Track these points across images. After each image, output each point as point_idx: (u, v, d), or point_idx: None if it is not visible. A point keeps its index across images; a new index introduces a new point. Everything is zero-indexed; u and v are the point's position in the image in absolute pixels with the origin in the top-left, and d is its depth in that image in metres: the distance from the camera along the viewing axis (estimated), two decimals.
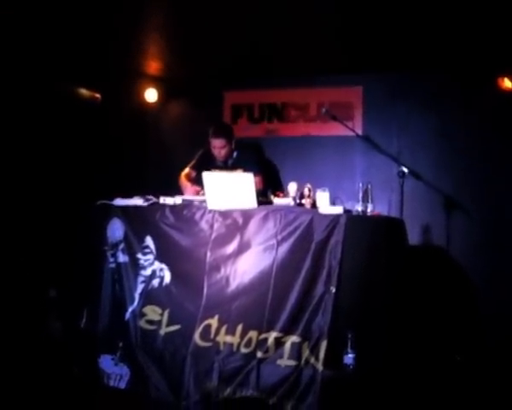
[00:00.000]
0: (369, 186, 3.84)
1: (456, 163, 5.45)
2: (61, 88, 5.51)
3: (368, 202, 3.83)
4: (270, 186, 4.22)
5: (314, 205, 3.98)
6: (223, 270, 3.89)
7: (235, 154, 4.93)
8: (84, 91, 5.89)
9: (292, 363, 3.57)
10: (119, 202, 4.32)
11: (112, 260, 4.22)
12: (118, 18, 4.58)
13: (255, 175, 4.65)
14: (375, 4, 4.20)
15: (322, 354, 3.49)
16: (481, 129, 5.37)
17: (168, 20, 4.73)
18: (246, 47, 5.20)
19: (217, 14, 4.49)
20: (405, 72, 5.54)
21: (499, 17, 4.25)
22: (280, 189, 4.68)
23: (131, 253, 4.17)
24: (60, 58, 5.28)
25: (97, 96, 5.99)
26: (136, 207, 4.25)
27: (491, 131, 5.33)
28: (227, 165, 4.93)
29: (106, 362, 4.06)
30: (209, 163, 4.90)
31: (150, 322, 4.02)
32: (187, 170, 4.99)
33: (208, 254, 3.94)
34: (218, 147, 4.80)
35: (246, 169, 4.79)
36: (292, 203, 4.11)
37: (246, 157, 4.97)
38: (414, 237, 4.99)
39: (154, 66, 6.06)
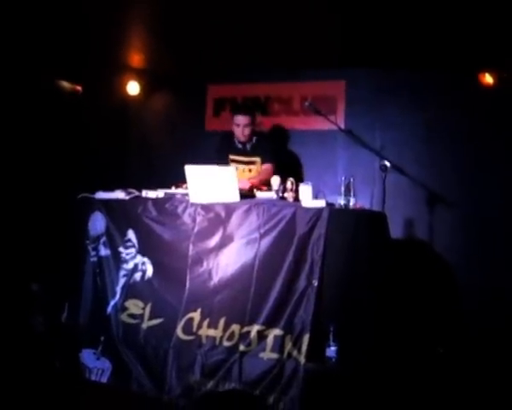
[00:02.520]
0: (352, 180, 3.85)
1: (439, 157, 5.48)
2: (41, 80, 5.45)
3: (350, 195, 3.84)
4: (290, 175, 4.20)
5: (297, 199, 3.98)
6: (205, 263, 3.88)
7: (254, 138, 4.92)
8: (64, 84, 5.83)
9: (274, 356, 3.57)
10: (101, 195, 4.29)
11: (93, 253, 4.19)
12: (99, 9, 4.53)
13: (268, 161, 4.78)
14: (360, 0, 4.21)
15: (304, 347, 3.50)
16: (463, 124, 5.40)
17: (151, 11, 4.69)
18: (229, 40, 5.18)
19: (200, 7, 4.46)
20: (388, 67, 5.54)
21: (480, 14, 4.27)
22: (300, 179, 4.57)
23: (113, 246, 4.15)
24: (40, 50, 5.22)
25: (78, 88, 5.93)
26: (117, 201, 4.23)
27: (473, 126, 5.36)
28: (246, 149, 4.92)
29: (87, 356, 4.04)
30: (228, 148, 4.92)
31: (132, 316, 4.00)
32: None
33: (191, 247, 3.92)
34: (243, 124, 4.77)
35: (264, 156, 4.88)
36: (275, 197, 4.10)
37: (264, 144, 4.98)
38: (396, 230, 5.00)
39: (136, 58, 6.02)
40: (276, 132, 5.89)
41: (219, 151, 4.97)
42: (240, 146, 4.92)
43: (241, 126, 4.78)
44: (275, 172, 4.50)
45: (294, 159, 5.79)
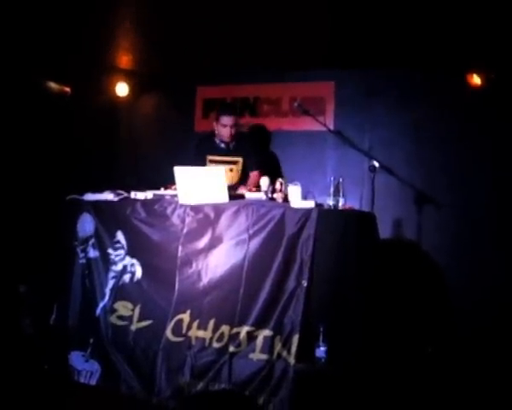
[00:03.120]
0: (341, 180, 3.86)
1: (428, 158, 5.51)
2: (29, 81, 5.42)
3: (339, 196, 3.85)
4: (271, 175, 4.25)
5: (286, 199, 3.98)
6: (194, 265, 3.87)
7: (236, 138, 4.94)
8: (53, 85, 5.80)
9: (264, 357, 3.57)
10: (90, 196, 4.27)
11: (82, 255, 4.16)
12: (88, 9, 4.52)
13: (256, 168, 4.83)
14: (348, 1, 4.22)
15: (294, 348, 3.50)
16: (452, 124, 5.44)
17: (140, 12, 4.68)
18: (218, 41, 5.18)
19: (190, 8, 4.46)
20: (377, 68, 5.57)
21: (468, 15, 4.29)
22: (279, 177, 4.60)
23: (102, 248, 4.13)
24: (28, 50, 5.19)
25: (67, 89, 5.91)
26: (106, 202, 4.20)
27: (462, 126, 5.39)
28: (229, 149, 4.94)
29: (76, 359, 4.01)
30: (207, 149, 4.93)
31: (121, 318, 3.98)
32: None
33: (180, 248, 3.91)
34: (230, 125, 4.79)
35: (247, 156, 4.93)
36: (264, 198, 4.10)
37: (247, 143, 5.03)
38: (385, 231, 5.03)
39: (125, 59, 6.01)
40: (257, 132, 5.91)
41: (197, 153, 4.97)
42: (222, 145, 4.93)
43: (228, 127, 4.79)
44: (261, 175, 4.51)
45: (275, 159, 5.81)
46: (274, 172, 4.86)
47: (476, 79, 5.32)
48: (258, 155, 5.08)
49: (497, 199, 5.27)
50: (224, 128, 4.81)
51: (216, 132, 4.91)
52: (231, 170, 4.93)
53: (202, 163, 4.86)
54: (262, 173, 4.64)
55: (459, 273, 5.29)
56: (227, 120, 4.79)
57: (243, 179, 4.92)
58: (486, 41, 4.77)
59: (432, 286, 5.32)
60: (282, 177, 5.07)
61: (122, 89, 6.35)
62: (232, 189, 4.46)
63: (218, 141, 4.93)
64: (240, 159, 4.96)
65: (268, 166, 5.08)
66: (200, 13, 4.55)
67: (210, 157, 4.93)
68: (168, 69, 6.11)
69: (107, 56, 5.82)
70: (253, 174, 4.88)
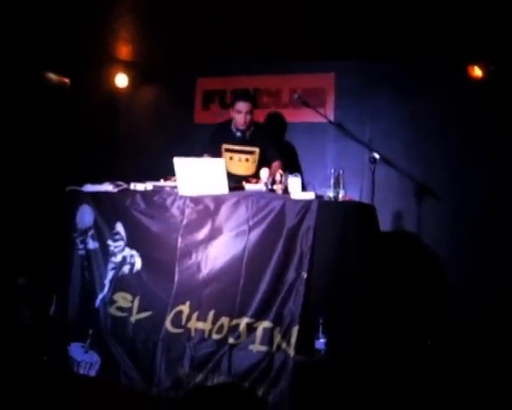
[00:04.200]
0: (341, 172, 3.84)
1: (428, 150, 5.49)
2: (29, 73, 5.40)
3: (339, 187, 3.83)
4: (288, 166, 4.21)
5: (286, 191, 3.97)
6: (194, 256, 3.87)
7: (252, 127, 4.90)
8: (52, 76, 5.78)
9: (263, 348, 3.57)
10: (89, 188, 4.26)
11: (81, 246, 4.16)
12: (88, 0, 4.49)
13: (277, 158, 4.78)
14: None
15: (293, 340, 3.50)
16: (452, 117, 5.42)
17: (140, 3, 4.66)
18: (218, 33, 5.15)
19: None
20: (377, 59, 5.55)
21: (469, 7, 4.28)
22: (296, 170, 4.58)
23: (101, 239, 4.12)
24: (28, 42, 5.17)
25: (66, 80, 5.89)
26: (106, 194, 4.19)
27: (462, 119, 5.38)
28: (245, 138, 4.89)
29: (76, 350, 4.01)
30: (224, 137, 4.89)
31: (121, 309, 3.98)
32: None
33: (179, 240, 3.90)
34: (245, 111, 4.74)
35: (265, 146, 4.89)
36: (264, 189, 4.09)
37: (263, 134, 4.98)
38: (385, 223, 5.01)
39: (124, 50, 5.99)
40: (273, 122, 5.87)
41: (213, 140, 4.95)
42: (239, 134, 4.88)
43: (242, 113, 4.74)
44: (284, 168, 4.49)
45: (292, 150, 5.78)
46: (292, 164, 4.83)
47: (477, 71, 5.30)
48: (278, 146, 5.02)
49: (497, 191, 5.26)
50: (238, 114, 4.76)
51: (233, 120, 4.87)
52: (247, 160, 4.90)
53: (216, 151, 4.85)
54: (283, 163, 4.63)
55: (458, 265, 5.29)
56: (242, 106, 4.74)
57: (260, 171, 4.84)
58: (487, 33, 4.76)
59: (431, 278, 5.32)
60: (298, 168, 5.09)
61: (122, 80, 6.32)
62: (242, 180, 4.45)
63: (234, 129, 4.89)
64: (256, 149, 4.90)
65: (287, 158, 5.05)
66: (199, 4, 4.52)
67: (225, 146, 4.90)
68: (168, 60, 6.09)
69: (107, 47, 5.80)
70: (275, 164, 4.75)
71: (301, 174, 4.03)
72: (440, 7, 4.34)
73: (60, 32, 5.19)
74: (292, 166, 4.33)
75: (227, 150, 4.90)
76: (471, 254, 5.30)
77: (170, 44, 5.59)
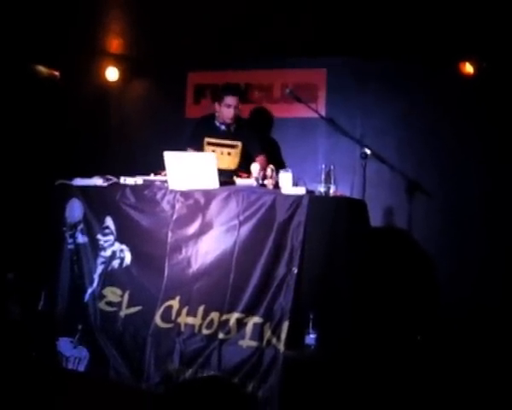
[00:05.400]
0: (332, 168, 3.84)
1: (419, 146, 5.50)
2: (18, 66, 5.35)
3: (330, 183, 3.82)
4: (271, 161, 4.24)
5: (277, 186, 3.96)
6: (184, 251, 3.85)
7: (236, 122, 4.90)
8: (42, 69, 5.73)
9: (254, 344, 3.56)
10: (79, 181, 4.23)
11: (71, 241, 4.13)
12: None
13: (258, 153, 4.79)
14: None
15: (283, 335, 3.49)
16: (444, 113, 5.43)
17: None
18: (210, 26, 5.13)
19: None
20: (369, 56, 5.53)
21: (459, 3, 4.27)
22: (280, 165, 4.56)
23: (91, 234, 4.10)
24: (17, 34, 5.12)
25: (56, 73, 5.84)
26: (95, 188, 4.17)
27: (453, 116, 5.39)
28: (230, 131, 4.90)
29: (64, 345, 3.99)
30: (208, 131, 4.89)
31: (110, 304, 3.97)
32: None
33: (169, 234, 3.89)
34: (234, 105, 4.75)
35: (248, 141, 4.90)
36: (254, 184, 4.08)
37: (248, 128, 5.01)
38: (376, 219, 5.01)
39: (115, 43, 5.94)
40: (258, 117, 5.85)
41: (194, 134, 4.95)
42: (223, 128, 4.89)
43: (232, 107, 4.75)
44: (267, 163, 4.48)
45: (275, 145, 5.77)
46: (275, 159, 4.83)
47: (468, 68, 5.31)
48: (261, 140, 5.02)
49: (487, 189, 5.28)
50: (227, 109, 4.76)
51: (217, 114, 4.87)
52: (229, 154, 4.90)
53: (199, 144, 4.85)
54: (267, 157, 4.61)
55: (448, 262, 5.31)
56: (231, 100, 4.74)
57: (243, 165, 4.83)
58: (479, 30, 4.75)
59: (421, 274, 5.33)
60: (282, 164, 5.09)
61: (112, 73, 6.27)
62: (226, 174, 4.44)
63: (218, 123, 4.89)
64: (239, 143, 4.91)
65: (269, 152, 5.05)
66: None
67: (208, 139, 4.90)
68: (159, 54, 6.05)
69: (97, 40, 5.74)
70: (260, 158, 4.74)
71: (284, 168, 4.02)
72: (431, 3, 4.33)
73: (50, 25, 5.14)
74: (275, 162, 4.32)
75: (209, 144, 4.90)
76: (461, 251, 5.32)
77: (161, 38, 5.55)
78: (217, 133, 4.89)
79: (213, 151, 4.80)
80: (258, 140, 4.97)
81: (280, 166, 4.31)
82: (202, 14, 4.85)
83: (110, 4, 4.85)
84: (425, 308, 5.18)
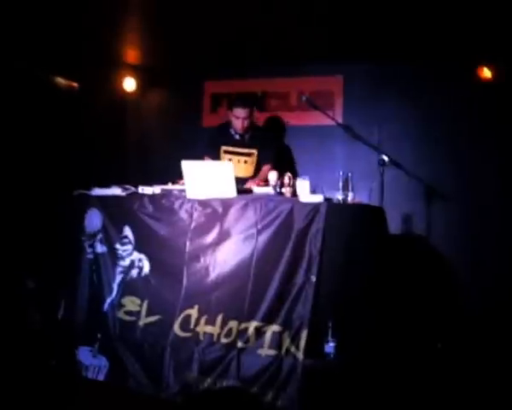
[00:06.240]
0: (350, 175, 3.83)
1: (437, 152, 5.47)
2: (37, 76, 5.41)
3: (348, 190, 3.81)
4: (285, 169, 4.23)
5: (294, 194, 3.95)
6: (202, 260, 3.85)
7: (251, 130, 4.93)
8: (60, 80, 5.79)
9: (272, 352, 3.55)
10: (97, 191, 4.26)
11: (90, 250, 4.16)
12: (95, 4, 4.49)
13: (268, 162, 4.79)
14: None
15: (302, 344, 3.48)
16: (461, 119, 5.40)
17: (148, 6, 4.66)
18: (226, 36, 5.15)
19: (198, 2, 4.43)
20: (386, 62, 5.53)
21: (479, 7, 4.25)
22: (295, 173, 4.56)
23: (110, 243, 4.12)
24: (36, 46, 5.18)
25: (74, 84, 5.90)
26: (114, 197, 4.19)
27: (471, 121, 5.35)
28: (244, 140, 4.92)
29: (84, 354, 4.01)
30: (224, 140, 4.93)
31: (129, 313, 3.97)
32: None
33: (188, 243, 3.89)
34: (243, 117, 4.77)
35: (262, 149, 4.91)
36: (272, 192, 4.07)
37: (262, 137, 5.01)
38: (394, 225, 4.99)
39: (132, 54, 6.00)
40: (273, 125, 5.86)
41: (211, 143, 4.98)
42: (237, 136, 4.91)
43: (240, 119, 4.77)
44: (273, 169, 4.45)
45: (290, 153, 5.78)
46: (287, 167, 4.83)
47: (486, 73, 5.27)
48: (273, 149, 5.03)
49: (506, 194, 5.23)
50: (236, 120, 4.79)
51: (231, 123, 4.90)
52: (245, 162, 4.92)
53: (215, 153, 4.87)
54: (273, 167, 4.62)
55: (468, 268, 5.27)
56: (239, 112, 4.77)
57: (258, 172, 4.87)
58: (496, 35, 4.73)
59: (440, 281, 5.29)
60: (294, 171, 5.09)
61: (130, 84, 6.33)
62: (243, 182, 4.46)
63: (233, 132, 4.92)
64: (255, 151, 4.93)
65: (282, 161, 5.06)
66: (208, 7, 4.51)
67: (224, 147, 4.93)
68: (176, 64, 6.09)
69: (115, 51, 5.80)
70: (264, 168, 4.82)
71: (295, 177, 4.02)
72: (449, 9, 4.31)
73: (68, 37, 5.20)
74: (288, 170, 4.32)
75: (226, 152, 4.93)
76: (480, 257, 5.27)
77: (177, 48, 5.59)
78: (232, 141, 4.92)
79: (230, 160, 4.82)
80: (272, 149, 4.99)
81: (293, 173, 4.29)
82: (218, 24, 4.88)
83: (127, 16, 4.88)
84: (445, 315, 5.13)
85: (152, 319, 3.91)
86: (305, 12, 4.55)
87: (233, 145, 4.92)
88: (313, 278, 3.53)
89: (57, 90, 5.74)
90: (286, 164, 5.13)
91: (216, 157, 4.82)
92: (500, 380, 4.08)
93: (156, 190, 4.16)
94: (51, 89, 5.67)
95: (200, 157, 4.61)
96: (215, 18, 4.74)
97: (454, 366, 4.36)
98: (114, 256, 4.09)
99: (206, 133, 5.36)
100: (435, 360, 4.46)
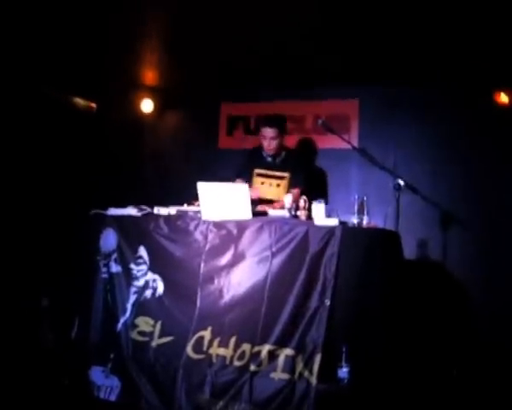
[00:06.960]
0: (365, 199, 3.82)
1: (453, 177, 5.43)
2: (56, 97, 5.49)
3: (363, 214, 3.80)
4: (315, 195, 4.19)
5: (309, 217, 3.95)
6: (216, 281, 3.85)
7: (283, 153, 4.92)
8: (79, 101, 5.87)
9: (285, 376, 3.52)
10: (113, 211, 4.28)
11: (104, 270, 4.17)
12: (114, 27, 4.57)
13: (298, 185, 4.73)
14: (373, 17, 4.22)
15: (316, 368, 3.45)
16: (478, 143, 5.37)
17: (165, 29, 4.72)
18: (243, 58, 5.19)
19: (215, 25, 4.48)
20: (402, 85, 5.53)
21: (495, 32, 4.25)
22: (324, 196, 4.58)
23: (124, 263, 4.13)
24: (55, 67, 5.26)
25: (93, 105, 5.97)
26: (129, 217, 4.21)
27: (488, 145, 5.32)
28: (275, 163, 4.91)
29: (96, 374, 4.00)
30: (256, 162, 4.92)
31: (142, 333, 3.97)
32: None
33: (202, 265, 3.89)
34: (269, 137, 4.75)
35: (293, 172, 4.87)
36: (287, 215, 4.07)
37: (295, 160, 4.99)
38: (410, 250, 4.96)
39: (150, 76, 6.06)
40: (306, 148, 5.85)
41: (245, 165, 4.98)
42: (269, 159, 4.90)
43: (267, 139, 4.76)
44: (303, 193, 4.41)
45: (323, 176, 5.76)
46: (318, 190, 4.79)
47: (503, 98, 5.25)
48: (303, 172, 4.97)
49: None
50: (264, 140, 4.79)
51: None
52: (278, 185, 4.90)
53: (248, 175, 4.87)
54: (303, 191, 4.55)
55: (484, 294, 5.20)
56: (267, 131, 4.75)
57: None
58: None
59: (456, 307, 5.23)
60: (326, 196, 5.04)
61: (147, 105, 6.39)
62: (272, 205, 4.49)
63: (265, 154, 4.91)
64: (287, 175, 4.89)
65: (313, 184, 5.02)
66: (225, 30, 4.57)
67: (257, 170, 4.93)
68: (193, 86, 6.14)
69: (133, 73, 5.87)
70: (293, 192, 4.66)
71: (327, 201, 3.99)
72: (468, 33, 4.32)
73: (86, 59, 5.28)
74: (319, 193, 4.27)
75: (259, 175, 4.92)
76: (496, 283, 5.20)
77: (194, 70, 5.65)
78: (264, 164, 4.91)
79: (262, 183, 4.84)
80: (303, 172, 4.94)
81: (323, 197, 4.25)
82: (234, 46, 4.92)
83: (145, 37, 4.95)
84: (460, 341, 5.07)
85: (165, 340, 3.90)
86: (320, 34, 4.58)
87: (265, 168, 4.91)
88: (327, 302, 3.52)
89: (76, 111, 5.82)
90: (316, 189, 5.08)
91: (248, 180, 4.80)
92: None
93: (172, 211, 4.18)
94: (70, 109, 5.74)
95: (230, 179, 4.61)
96: (231, 40, 4.78)
97: (469, 394, 4.30)
98: (129, 276, 4.10)
99: (225, 157, 5.37)
100: (450, 387, 4.40)
